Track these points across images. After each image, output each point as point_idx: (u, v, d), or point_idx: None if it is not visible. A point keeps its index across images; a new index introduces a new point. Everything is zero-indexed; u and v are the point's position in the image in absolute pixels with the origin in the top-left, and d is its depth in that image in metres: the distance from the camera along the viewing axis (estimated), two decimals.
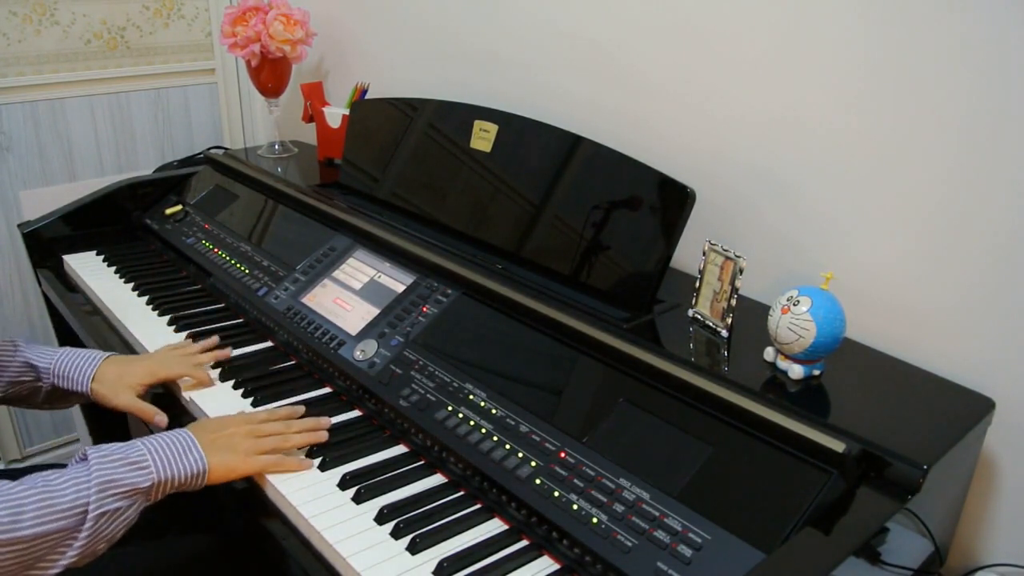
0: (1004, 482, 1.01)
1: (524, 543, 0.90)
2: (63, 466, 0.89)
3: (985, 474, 1.02)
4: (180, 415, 1.16)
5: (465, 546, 0.88)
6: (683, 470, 0.87)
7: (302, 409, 1.09)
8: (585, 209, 1.18)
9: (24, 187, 1.90)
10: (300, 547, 0.92)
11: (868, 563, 0.80)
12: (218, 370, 1.21)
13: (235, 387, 1.18)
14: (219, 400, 1.15)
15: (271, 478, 0.98)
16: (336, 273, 1.35)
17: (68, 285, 1.60)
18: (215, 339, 1.26)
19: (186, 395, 1.17)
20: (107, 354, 1.19)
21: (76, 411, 1.89)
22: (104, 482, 0.86)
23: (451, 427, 1.01)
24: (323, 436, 1.04)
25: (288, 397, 1.16)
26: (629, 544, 0.82)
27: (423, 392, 1.07)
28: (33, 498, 0.81)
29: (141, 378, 1.16)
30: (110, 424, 1.75)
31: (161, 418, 1.12)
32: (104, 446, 0.90)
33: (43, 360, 1.16)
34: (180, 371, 1.17)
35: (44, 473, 0.86)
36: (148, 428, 1.20)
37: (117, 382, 1.15)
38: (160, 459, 0.92)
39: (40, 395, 1.20)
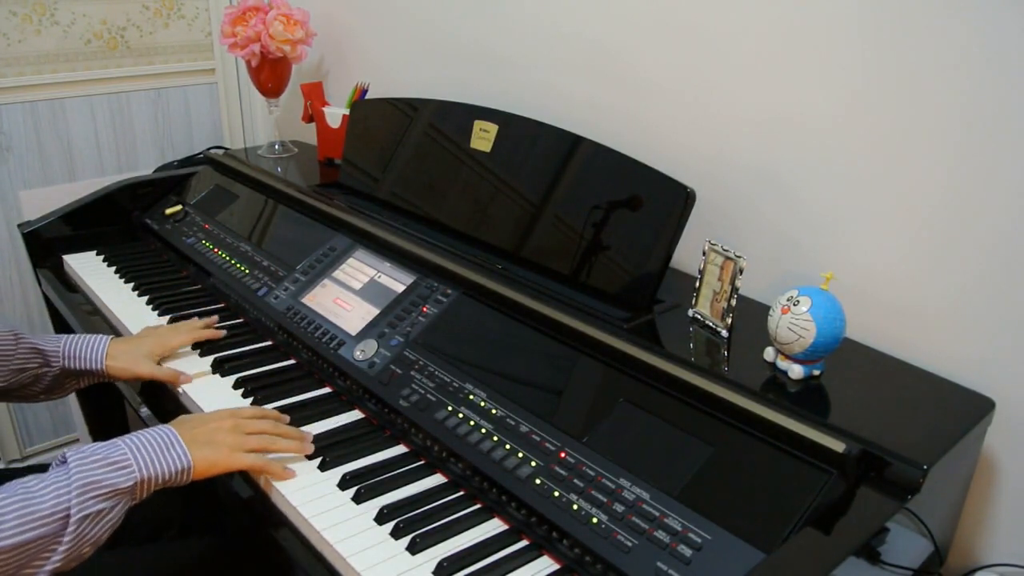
0: (1004, 482, 1.01)
1: (524, 543, 0.90)
2: (45, 468, 0.88)
3: (985, 474, 1.02)
4: (178, 412, 1.15)
5: (465, 546, 0.88)
6: (683, 470, 0.87)
7: (287, 418, 1.07)
8: (585, 209, 1.18)
9: (24, 187, 1.90)
10: (300, 547, 0.92)
11: (868, 563, 0.80)
12: (219, 372, 1.22)
13: (235, 387, 1.18)
14: (218, 399, 1.15)
15: (271, 478, 0.98)
16: (336, 273, 1.35)
17: (68, 285, 1.60)
18: (215, 317, 1.34)
19: (183, 389, 1.17)
20: (109, 336, 1.23)
21: (76, 411, 1.89)
22: (84, 485, 0.84)
23: (451, 427, 1.01)
24: (309, 449, 1.02)
25: (288, 397, 1.16)
26: (629, 544, 0.82)
27: (423, 392, 1.07)
28: (13, 506, 0.79)
29: (152, 347, 1.21)
30: (109, 423, 1.75)
31: (186, 377, 1.18)
32: (85, 447, 0.88)
33: (50, 344, 1.19)
34: (185, 338, 1.25)
35: (24, 479, 0.84)
36: (146, 424, 1.20)
37: (133, 354, 1.19)
38: (142, 457, 0.90)
39: (43, 382, 1.21)
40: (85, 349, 1.20)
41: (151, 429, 0.95)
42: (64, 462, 0.86)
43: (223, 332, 1.31)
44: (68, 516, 0.82)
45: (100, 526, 0.85)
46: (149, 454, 0.90)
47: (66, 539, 0.82)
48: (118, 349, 1.21)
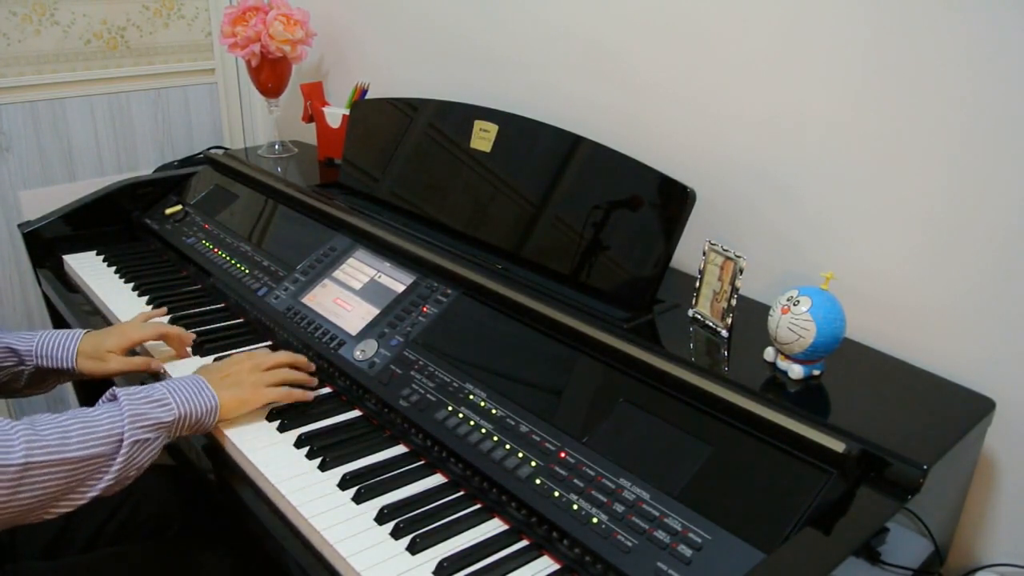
0: (1004, 482, 1.01)
1: (524, 543, 0.90)
2: None
3: (985, 474, 1.02)
4: None
5: (465, 546, 0.88)
6: (683, 470, 0.87)
7: (300, 357, 1.18)
8: (585, 209, 1.18)
9: (24, 187, 1.90)
10: (300, 547, 0.92)
11: (868, 563, 0.80)
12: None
13: None
14: None
15: (271, 477, 0.98)
16: (336, 273, 1.35)
17: (68, 285, 1.60)
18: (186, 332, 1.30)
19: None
20: (84, 331, 1.22)
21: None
22: (134, 415, 0.95)
23: (451, 427, 1.01)
24: (314, 381, 1.17)
25: None
26: (629, 544, 0.82)
27: (423, 392, 1.07)
28: (76, 425, 0.90)
29: (117, 343, 1.21)
30: None
31: (156, 362, 1.22)
32: (128, 388, 0.99)
33: (23, 343, 1.19)
34: (147, 334, 1.24)
35: (80, 408, 0.95)
36: None
37: (99, 352, 1.20)
38: (179, 397, 1.01)
39: (22, 379, 1.21)
40: (58, 348, 1.19)
41: (182, 376, 1.06)
42: (115, 398, 0.97)
43: (191, 335, 1.28)
44: (122, 439, 0.93)
45: (145, 453, 0.96)
46: (184, 395, 1.02)
47: (119, 459, 0.93)
48: (86, 348, 1.20)
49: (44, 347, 1.19)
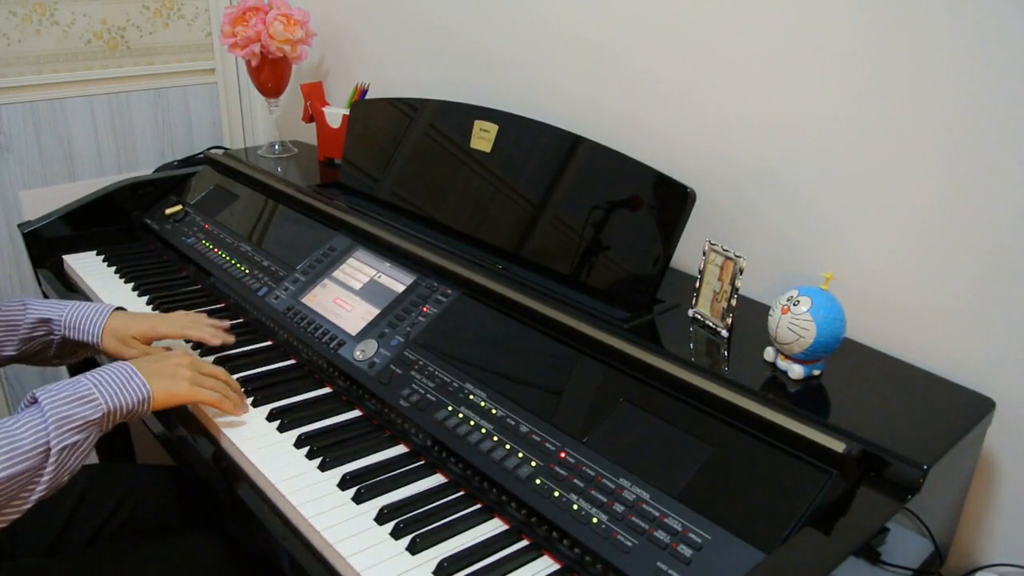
0: (1004, 482, 1.01)
1: (524, 543, 0.90)
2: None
3: (985, 474, 1.02)
4: (185, 414, 1.16)
5: (465, 546, 0.88)
6: (683, 470, 0.87)
7: (237, 385, 1.15)
8: (585, 209, 1.18)
9: (24, 187, 1.90)
10: (300, 547, 0.91)
11: (868, 563, 0.80)
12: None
13: None
14: None
15: (271, 478, 0.98)
16: (336, 273, 1.35)
17: (68, 285, 1.60)
18: (227, 323, 1.30)
19: None
20: (114, 307, 1.23)
21: None
22: (59, 420, 0.90)
23: (451, 427, 1.01)
24: (246, 411, 1.12)
25: (288, 397, 1.16)
26: (629, 544, 0.82)
27: (423, 392, 1.07)
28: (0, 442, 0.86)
29: (142, 330, 1.21)
30: None
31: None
32: (51, 387, 0.94)
33: (55, 311, 1.20)
34: (177, 330, 1.23)
35: (2, 420, 0.89)
36: (149, 428, 1.20)
37: (124, 335, 1.20)
38: (106, 391, 0.96)
39: (51, 349, 1.23)
40: (85, 321, 1.20)
41: (111, 365, 1.02)
42: (35, 401, 0.93)
43: (221, 340, 1.26)
44: (48, 449, 0.89)
45: (76, 455, 0.93)
46: (112, 387, 0.97)
47: (48, 470, 0.89)
48: (113, 325, 1.21)
49: (73, 318, 1.20)
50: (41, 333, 1.21)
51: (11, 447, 0.86)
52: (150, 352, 1.19)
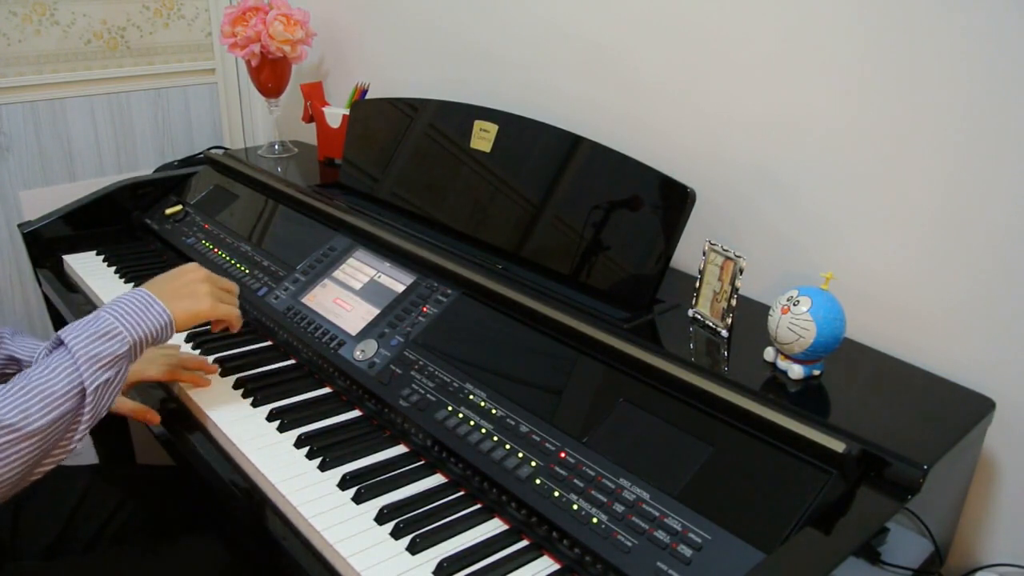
0: (1004, 482, 1.01)
1: (524, 543, 0.90)
2: None
3: (985, 474, 1.02)
4: (179, 407, 1.16)
5: (465, 546, 0.88)
6: (683, 470, 0.87)
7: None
8: (585, 209, 1.18)
9: (24, 187, 1.90)
10: (300, 547, 0.91)
11: (868, 563, 0.80)
12: (219, 372, 1.22)
13: (235, 387, 1.18)
14: (218, 398, 1.15)
15: (272, 478, 0.98)
16: (336, 273, 1.35)
17: (68, 285, 1.60)
18: (211, 365, 1.23)
19: (180, 384, 1.18)
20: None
21: None
22: (89, 359, 0.90)
23: (451, 427, 1.01)
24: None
25: (288, 397, 1.16)
26: (629, 544, 0.82)
27: (423, 392, 1.07)
28: (34, 392, 0.86)
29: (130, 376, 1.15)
30: (108, 422, 1.74)
31: (153, 415, 1.15)
32: (73, 326, 0.93)
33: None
34: (158, 374, 1.17)
35: (27, 370, 0.89)
36: (149, 428, 1.20)
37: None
38: (128, 323, 0.96)
39: None
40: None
41: (126, 294, 1.00)
42: (61, 343, 0.92)
43: (216, 368, 1.21)
44: (84, 390, 0.89)
45: (111, 390, 0.93)
46: (133, 317, 0.96)
47: (87, 409, 0.90)
48: None
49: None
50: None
51: (47, 392, 0.87)
52: (128, 406, 1.14)
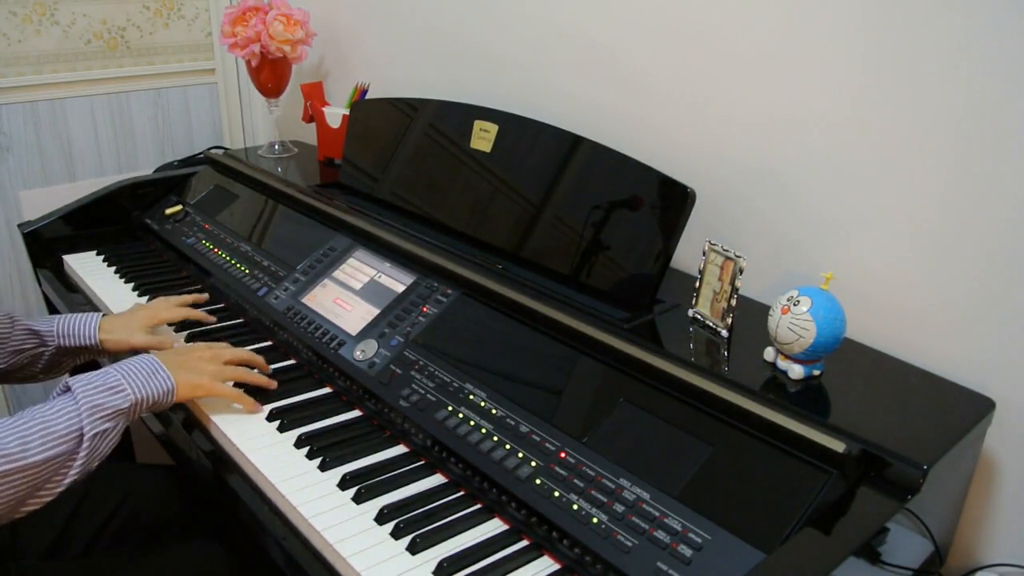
0: (1004, 482, 1.01)
1: (524, 543, 0.90)
2: None
3: (985, 474, 1.02)
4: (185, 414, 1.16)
5: (465, 546, 0.88)
6: (683, 470, 0.87)
7: (260, 358, 1.19)
8: (585, 209, 1.18)
9: (24, 187, 1.90)
10: (300, 547, 0.91)
11: (868, 563, 0.80)
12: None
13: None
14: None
15: (272, 478, 0.98)
16: (336, 273, 1.35)
17: (68, 285, 1.60)
18: (205, 296, 1.40)
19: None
20: (100, 313, 1.27)
21: None
22: (91, 407, 0.95)
23: (451, 427, 1.01)
24: (273, 385, 1.16)
25: (288, 397, 1.16)
26: (629, 544, 0.82)
27: (423, 392, 1.07)
28: (36, 427, 0.90)
29: (145, 320, 1.27)
30: None
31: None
32: (81, 377, 0.98)
33: (44, 325, 1.24)
34: (176, 313, 1.30)
35: (34, 407, 0.94)
36: (149, 428, 1.20)
37: (126, 327, 1.25)
38: (134, 382, 1.01)
39: (41, 362, 1.25)
40: (79, 326, 1.24)
41: (136, 358, 1.06)
42: (68, 389, 0.97)
43: (213, 318, 1.36)
44: (82, 435, 0.93)
45: (106, 442, 0.97)
46: (139, 379, 1.02)
47: (81, 454, 0.93)
48: (111, 324, 1.25)
49: (66, 327, 1.23)
50: (31, 346, 1.22)
51: (47, 431, 0.90)
52: (155, 339, 1.23)
